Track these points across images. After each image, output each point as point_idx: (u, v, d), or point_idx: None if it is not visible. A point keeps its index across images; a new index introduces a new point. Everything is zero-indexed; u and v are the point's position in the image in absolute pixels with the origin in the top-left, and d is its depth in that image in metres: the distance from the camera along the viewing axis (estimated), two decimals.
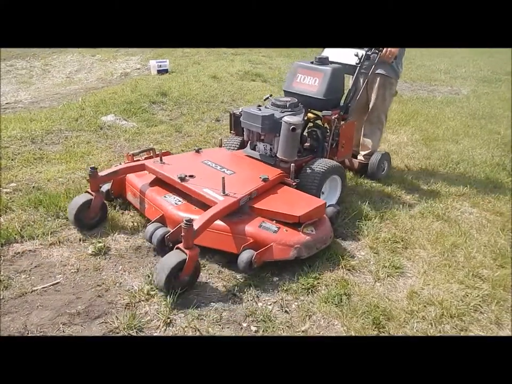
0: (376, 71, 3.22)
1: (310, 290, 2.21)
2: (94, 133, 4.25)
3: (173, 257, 2.03)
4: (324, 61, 2.97)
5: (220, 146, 3.24)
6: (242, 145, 3.14)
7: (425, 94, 7.24)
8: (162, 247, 2.30)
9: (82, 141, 4.03)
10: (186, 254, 2.02)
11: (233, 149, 3.13)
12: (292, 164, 2.66)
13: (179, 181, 2.51)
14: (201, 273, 2.24)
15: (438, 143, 4.61)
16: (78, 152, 3.75)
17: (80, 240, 2.54)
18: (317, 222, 2.42)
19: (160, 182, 2.69)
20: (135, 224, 2.70)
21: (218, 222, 2.30)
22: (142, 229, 2.64)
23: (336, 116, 2.91)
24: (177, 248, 2.06)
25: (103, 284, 2.20)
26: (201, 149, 3.06)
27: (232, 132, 3.15)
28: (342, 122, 3.01)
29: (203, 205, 2.42)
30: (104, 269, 2.33)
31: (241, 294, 2.17)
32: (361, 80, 3.17)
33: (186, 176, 2.54)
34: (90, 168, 2.52)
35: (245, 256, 2.18)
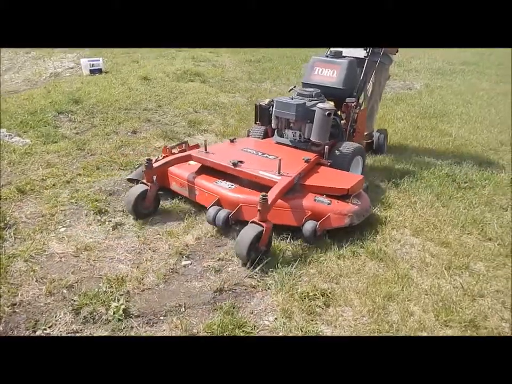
0: (373, 59, 3.45)
1: None
2: None
3: (251, 230, 2.26)
4: (338, 55, 3.28)
5: (248, 136, 3.49)
6: (265, 134, 3.45)
7: None
8: (227, 226, 2.54)
9: None
10: (262, 226, 2.26)
11: (258, 138, 3.43)
12: (326, 146, 2.97)
13: (233, 167, 2.72)
14: None
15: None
16: None
17: None
18: (359, 194, 2.69)
19: (205, 171, 2.92)
20: None
21: (278, 200, 2.50)
22: None
23: (354, 103, 3.24)
24: (253, 222, 2.29)
25: None
26: (235, 138, 3.29)
27: (257, 122, 3.38)
28: (357, 109, 3.31)
29: (255, 186, 2.70)
30: None
31: None
32: (370, 71, 3.48)
33: (238, 162, 2.74)
34: (147, 159, 2.73)
35: (309, 226, 2.46)
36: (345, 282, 2.22)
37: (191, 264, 2.37)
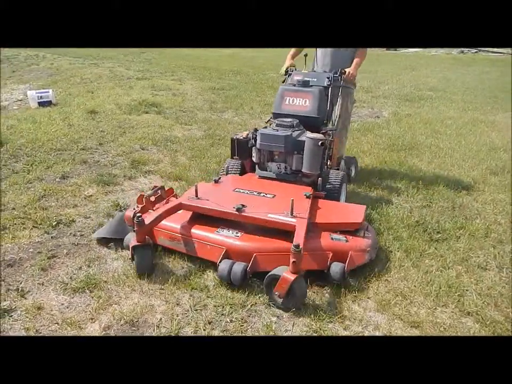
0: (336, 85, 3.44)
1: None
2: None
3: (303, 283, 2.15)
4: (306, 83, 3.24)
5: (227, 173, 3.25)
6: (243, 169, 3.28)
7: None
8: (244, 280, 2.30)
9: None
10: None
11: (235, 173, 3.25)
12: (319, 178, 2.94)
13: (238, 213, 2.47)
14: None
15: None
16: None
17: None
18: (366, 226, 2.60)
19: (199, 219, 2.62)
20: None
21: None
22: None
23: (332, 131, 3.27)
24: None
25: None
26: (220, 178, 3.04)
27: (235, 157, 3.19)
28: (332, 137, 3.27)
29: (263, 232, 2.47)
30: None
31: None
32: (335, 98, 3.46)
33: (242, 206, 2.49)
34: (137, 216, 2.34)
35: (338, 268, 2.29)
36: None
37: None
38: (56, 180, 3.71)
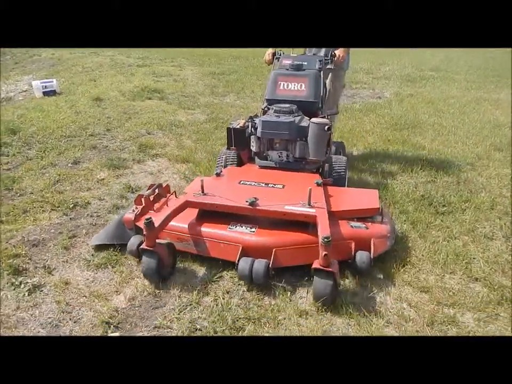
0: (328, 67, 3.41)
1: None
2: None
3: (328, 280, 2.00)
4: (299, 67, 3.11)
5: (225, 166, 3.08)
6: (239, 160, 3.13)
7: (344, 100, 6.40)
8: (267, 279, 2.17)
9: None
10: (333, 271, 1.99)
11: (233, 165, 3.10)
12: (326, 164, 2.90)
13: (251, 207, 2.34)
14: None
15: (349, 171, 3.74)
16: None
17: None
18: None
19: (205, 216, 2.47)
20: None
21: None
22: None
23: (333, 115, 3.31)
24: (318, 269, 1.99)
25: None
26: (221, 171, 2.87)
27: (232, 147, 3.02)
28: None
29: (276, 225, 2.37)
30: None
31: None
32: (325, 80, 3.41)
33: (255, 200, 2.36)
34: (147, 219, 2.13)
35: (365, 257, 2.21)
36: None
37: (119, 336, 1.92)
38: (69, 165, 3.79)
